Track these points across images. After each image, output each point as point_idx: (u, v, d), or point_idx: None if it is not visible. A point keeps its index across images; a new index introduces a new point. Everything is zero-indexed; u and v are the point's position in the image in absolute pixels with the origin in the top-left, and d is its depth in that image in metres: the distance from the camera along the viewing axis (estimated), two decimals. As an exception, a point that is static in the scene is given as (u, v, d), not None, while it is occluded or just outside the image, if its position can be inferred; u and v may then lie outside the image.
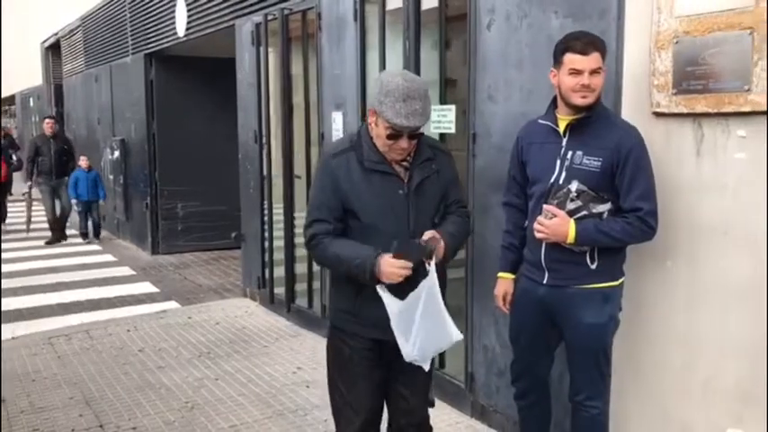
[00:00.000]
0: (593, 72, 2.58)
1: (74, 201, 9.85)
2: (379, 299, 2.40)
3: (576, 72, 2.59)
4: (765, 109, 2.40)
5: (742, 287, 2.55)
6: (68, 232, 10.32)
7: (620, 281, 2.76)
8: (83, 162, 9.92)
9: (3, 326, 5.89)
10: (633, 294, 2.85)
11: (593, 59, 2.58)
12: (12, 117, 24.88)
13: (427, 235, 2.40)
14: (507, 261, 3.02)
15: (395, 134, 2.35)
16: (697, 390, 2.74)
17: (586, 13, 3.04)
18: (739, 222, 2.54)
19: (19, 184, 14.43)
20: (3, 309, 6.43)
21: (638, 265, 2.84)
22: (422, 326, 2.38)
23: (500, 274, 3.04)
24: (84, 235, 10.15)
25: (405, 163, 2.48)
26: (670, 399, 2.85)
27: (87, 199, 9.89)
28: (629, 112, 2.83)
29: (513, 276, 2.99)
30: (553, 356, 2.99)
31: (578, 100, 2.61)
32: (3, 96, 22.83)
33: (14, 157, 14.41)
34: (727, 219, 2.58)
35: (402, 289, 2.39)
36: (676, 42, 2.65)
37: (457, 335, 2.50)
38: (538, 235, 2.66)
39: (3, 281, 7.51)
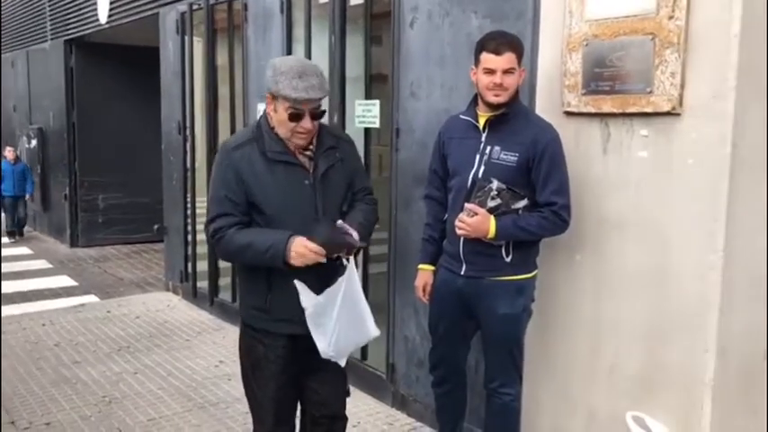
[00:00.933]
0: (507, 72, 2.68)
1: None
2: (292, 293, 2.36)
3: (490, 71, 2.69)
4: (665, 110, 2.54)
5: (641, 277, 2.71)
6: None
7: (534, 273, 2.88)
8: (8, 153, 9.25)
9: None
10: (545, 286, 2.98)
11: (506, 59, 2.67)
12: None
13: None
14: (427, 253, 3.09)
15: (296, 113, 2.33)
16: (602, 376, 2.88)
17: (504, 14, 3.15)
18: (640, 216, 2.69)
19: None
20: None
21: (549, 257, 2.96)
22: (339, 322, 2.35)
23: (420, 266, 3.11)
24: (13, 234, 9.47)
25: (308, 152, 2.46)
26: (577, 385, 2.99)
27: (14, 194, 9.23)
28: (542, 111, 2.95)
29: (432, 268, 3.07)
30: (469, 345, 3.08)
31: (491, 98, 2.71)
32: None
33: None
34: (629, 213, 2.73)
35: (319, 283, 2.37)
36: (586, 45, 2.78)
37: (375, 331, 2.46)
38: (459, 232, 2.74)
39: None
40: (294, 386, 2.62)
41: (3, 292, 6.64)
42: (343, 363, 2.49)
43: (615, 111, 2.71)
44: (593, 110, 2.78)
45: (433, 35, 3.52)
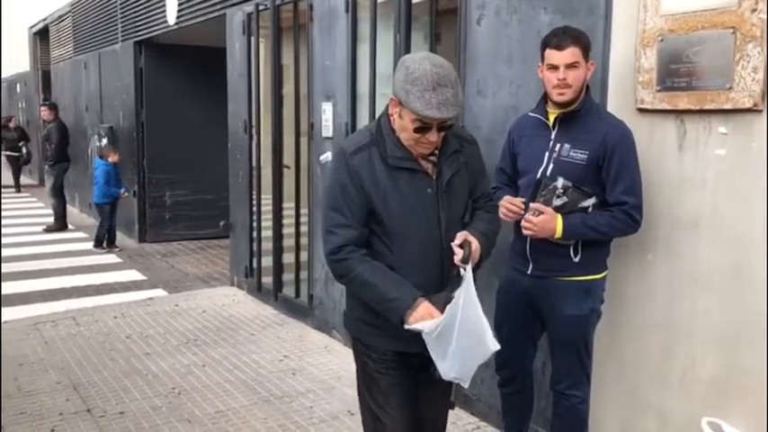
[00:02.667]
0: (570, 66, 2.62)
1: (105, 202, 8.57)
2: None
3: (553, 67, 2.65)
4: (746, 107, 2.46)
5: (717, 278, 2.62)
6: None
7: (603, 274, 2.83)
8: (114, 156, 8.62)
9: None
10: (616, 285, 2.92)
11: (568, 54, 2.62)
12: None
13: (459, 238, 2.17)
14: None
15: (423, 127, 2.09)
16: (675, 379, 2.81)
17: (574, 9, 3.10)
18: (717, 216, 2.61)
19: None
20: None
21: (620, 257, 2.90)
22: (460, 341, 2.10)
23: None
24: (112, 241, 8.74)
25: (432, 157, 2.22)
26: (648, 387, 2.92)
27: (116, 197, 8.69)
28: (614, 108, 2.89)
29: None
30: (536, 346, 3.05)
31: (555, 97, 2.68)
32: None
33: (24, 150, 14.13)
34: (705, 212, 2.65)
35: (432, 291, 2.17)
36: (661, 40, 2.71)
37: (494, 345, 2.17)
38: (525, 232, 2.70)
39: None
40: (413, 402, 2.39)
41: (77, 285, 6.93)
42: (467, 384, 2.22)
43: (692, 107, 2.63)
44: (668, 107, 2.71)
45: (501, 32, 3.49)
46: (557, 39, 2.65)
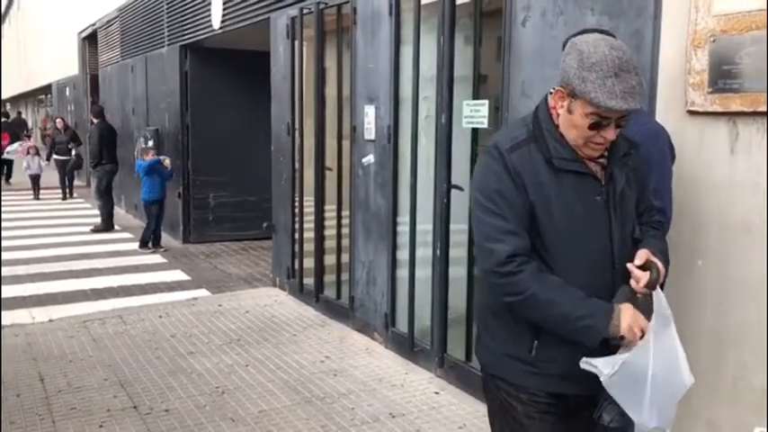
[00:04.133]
0: None
1: (152, 199, 8.68)
2: (564, 339, 1.83)
3: None
4: (802, 109, 2.40)
5: (773, 286, 2.56)
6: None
7: None
8: (147, 155, 8.70)
9: (38, 309, 6.07)
10: (665, 293, 2.85)
11: None
12: (48, 106, 25.33)
13: (641, 258, 1.86)
14: None
15: (600, 121, 1.77)
16: (725, 388, 2.74)
17: (622, 10, 3.05)
18: (772, 222, 2.55)
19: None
20: (35, 293, 6.63)
21: (670, 263, 2.84)
22: (656, 382, 1.75)
23: None
24: (157, 242, 8.89)
25: (602, 159, 1.90)
26: (698, 396, 2.85)
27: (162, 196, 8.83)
28: (663, 110, 2.84)
29: None
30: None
31: None
32: (40, 85, 23.29)
33: (74, 152, 13.34)
34: (758, 217, 2.58)
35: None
36: (713, 41, 2.65)
37: (690, 378, 1.85)
38: None
39: (36, 266, 7.73)
40: None
41: (123, 284, 7.08)
42: (669, 429, 1.87)
43: (745, 109, 2.57)
44: (720, 109, 2.65)
45: (547, 33, 3.46)
46: None
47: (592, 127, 1.79)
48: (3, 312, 5.56)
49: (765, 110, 2.50)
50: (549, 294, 1.80)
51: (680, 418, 2.92)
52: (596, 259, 1.87)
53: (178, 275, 7.55)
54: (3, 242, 7.89)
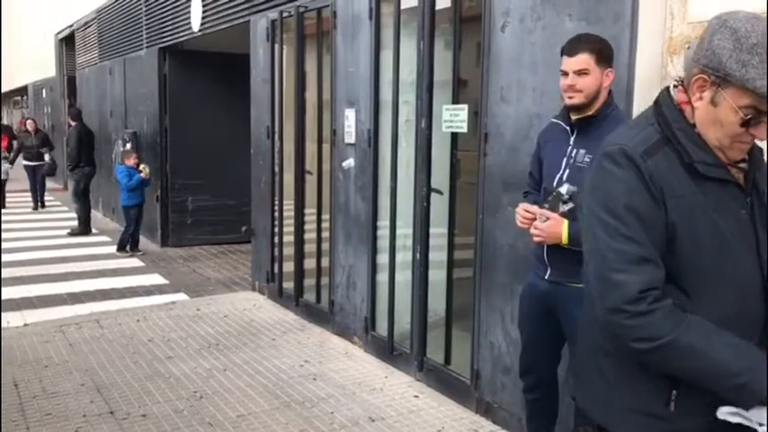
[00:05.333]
0: (579, 73, 2.65)
1: (131, 204, 8.61)
2: (705, 391, 1.48)
3: (564, 73, 2.69)
4: (774, 115, 2.43)
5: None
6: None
7: None
8: (130, 160, 8.64)
9: (13, 314, 5.98)
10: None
11: (578, 61, 2.65)
12: (24, 108, 25.02)
13: None
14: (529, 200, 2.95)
15: (755, 116, 1.46)
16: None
17: (600, 17, 3.09)
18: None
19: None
20: (11, 297, 6.54)
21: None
22: None
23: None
24: (135, 245, 8.82)
25: (743, 165, 1.58)
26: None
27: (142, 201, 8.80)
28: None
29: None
30: (560, 354, 3.03)
31: (566, 100, 2.71)
32: (16, 87, 23.01)
33: (47, 158, 12.44)
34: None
35: None
36: (688, 47, 2.69)
37: None
38: (535, 239, 2.73)
39: (12, 269, 7.62)
40: None
41: (100, 288, 7.00)
42: None
43: (719, 115, 2.61)
44: (695, 114, 2.69)
45: (525, 39, 3.49)
46: (569, 45, 2.70)
47: (744, 123, 1.47)
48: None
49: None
50: (694, 341, 1.45)
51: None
52: (746, 284, 1.54)
53: (156, 279, 7.49)
54: (-23, 246, 7.79)
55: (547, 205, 2.69)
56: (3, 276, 7.25)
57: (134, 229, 8.76)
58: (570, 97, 2.68)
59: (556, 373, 3.07)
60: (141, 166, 8.64)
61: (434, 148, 4.24)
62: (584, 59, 2.65)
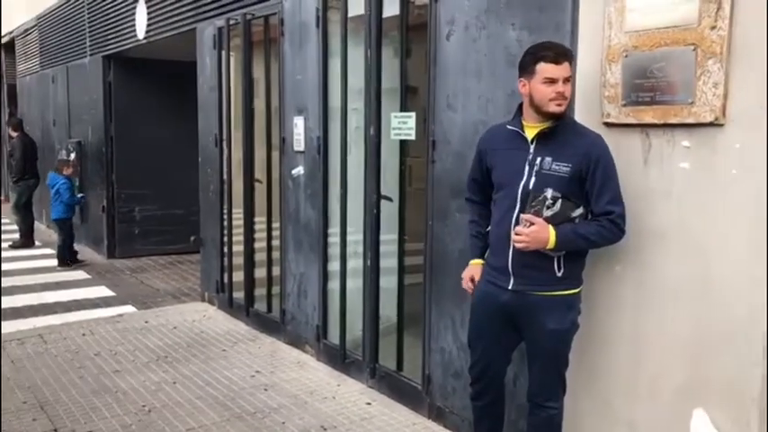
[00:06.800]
0: (566, 80, 2.70)
1: (68, 216, 8.46)
2: None
3: (551, 81, 2.69)
4: (707, 121, 2.52)
5: (684, 289, 2.68)
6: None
7: (581, 288, 2.86)
8: (68, 169, 8.53)
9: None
10: (586, 297, 2.95)
11: (565, 68, 2.70)
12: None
13: None
14: (477, 248, 3.07)
15: None
16: (644, 389, 2.85)
17: (542, 26, 3.15)
18: (682, 228, 2.67)
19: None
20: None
21: (590, 269, 2.94)
22: None
23: (472, 261, 3.08)
24: (74, 257, 8.62)
25: None
26: (619, 397, 2.96)
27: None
28: (581, 122, 2.94)
29: (482, 262, 3.03)
30: (510, 359, 3.07)
31: (554, 108, 2.71)
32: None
33: None
34: (671, 224, 2.70)
35: None
36: (626, 56, 2.77)
37: None
38: (518, 245, 2.71)
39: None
40: None
41: (44, 302, 6.80)
42: None
43: (656, 122, 2.69)
44: (633, 121, 2.77)
45: (470, 47, 3.54)
46: (553, 53, 2.70)
47: None
48: None
49: (675, 122, 2.63)
50: None
51: (602, 419, 3.02)
52: None
53: (103, 292, 7.31)
54: None
55: (532, 210, 2.69)
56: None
57: (70, 241, 8.56)
58: (559, 105, 2.70)
59: (505, 379, 3.10)
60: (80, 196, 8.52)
61: (384, 155, 4.26)
62: (568, 67, 2.71)
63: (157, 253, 9.10)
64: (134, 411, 4.08)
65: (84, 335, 5.57)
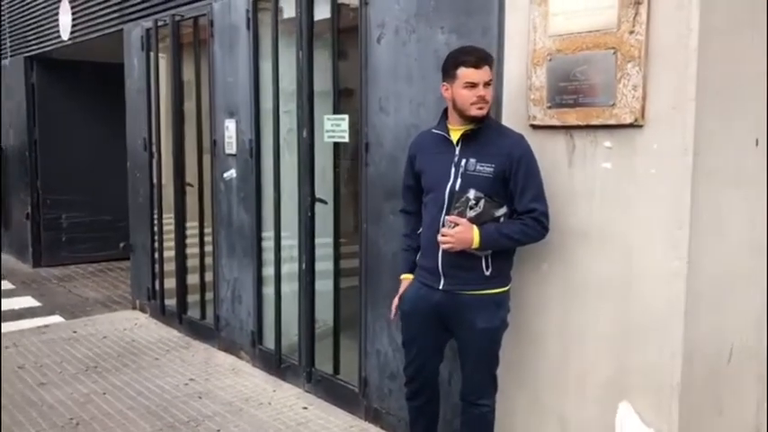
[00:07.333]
0: (486, 84, 2.75)
1: None
2: None
3: (472, 85, 2.74)
4: (628, 122, 2.62)
5: (607, 285, 2.76)
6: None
7: (510, 286, 2.92)
8: None
9: None
10: (515, 295, 3.02)
11: (485, 72, 2.75)
12: None
13: None
14: (408, 262, 3.10)
15: None
16: (572, 383, 2.93)
17: (470, 30, 3.21)
18: (605, 225, 2.76)
19: None
20: None
21: (518, 267, 3.00)
22: None
23: (403, 276, 3.12)
24: None
25: None
26: (548, 392, 3.03)
27: None
28: (508, 124, 3.00)
29: (412, 277, 3.08)
30: (443, 357, 3.11)
31: (476, 111, 2.76)
32: None
33: None
34: (594, 222, 2.79)
35: None
36: (550, 60, 2.84)
37: None
38: (444, 246, 2.75)
39: None
40: None
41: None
42: None
43: (579, 123, 2.77)
44: (558, 123, 2.84)
45: (400, 51, 3.56)
46: (474, 58, 2.75)
47: None
48: None
49: (597, 123, 2.72)
50: None
51: (533, 415, 3.09)
52: None
53: (28, 302, 7.03)
54: None
55: (456, 211, 2.73)
56: None
57: None
58: (480, 108, 2.75)
59: (438, 378, 3.14)
60: None
61: (319, 157, 4.24)
62: (488, 71, 2.76)
63: (86, 261, 8.81)
64: (61, 425, 3.94)
65: (7, 347, 5.34)
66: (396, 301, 3.12)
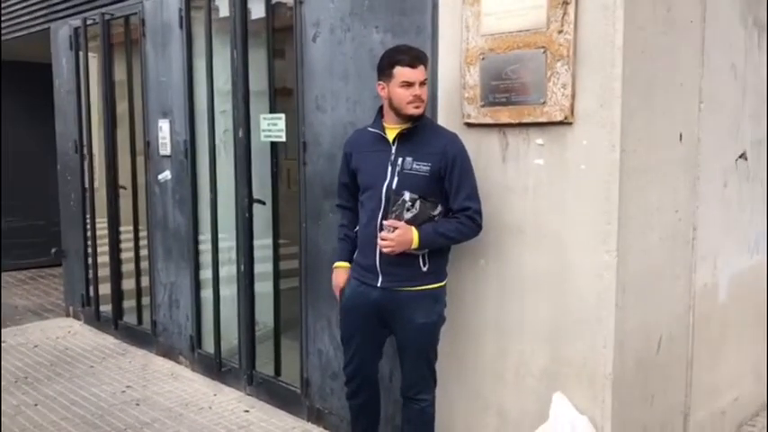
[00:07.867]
0: (422, 84, 2.78)
1: None
2: None
3: (408, 84, 2.76)
4: (558, 120, 2.68)
5: (541, 279, 2.83)
6: None
7: (446, 281, 2.96)
8: None
9: None
10: (453, 291, 3.06)
11: (420, 72, 2.78)
12: None
13: None
14: (345, 251, 3.11)
15: None
16: (510, 375, 2.99)
17: (404, 29, 3.23)
18: (538, 221, 2.82)
19: None
20: None
21: (456, 263, 3.05)
22: None
23: (336, 264, 3.13)
24: None
25: None
26: (487, 385, 3.08)
27: None
28: (443, 123, 3.04)
29: (348, 265, 3.08)
30: (382, 354, 3.12)
31: (412, 110, 2.79)
32: None
33: None
34: (528, 218, 2.85)
35: None
36: (483, 59, 2.89)
37: None
38: (385, 250, 2.78)
39: None
40: None
41: None
42: None
43: (512, 121, 2.83)
44: (491, 121, 2.89)
45: (336, 49, 3.56)
46: (409, 57, 2.78)
47: None
48: None
49: (529, 121, 2.78)
50: None
51: (473, 407, 3.14)
52: None
53: (-48, 312, 6.74)
54: None
55: (393, 215, 2.76)
56: None
57: None
58: (417, 107, 2.78)
59: (378, 375, 3.15)
60: None
61: (256, 157, 4.20)
62: (423, 70, 2.79)
63: (17, 267, 8.47)
64: (-10, 439, 3.80)
65: (-70, 360, 5.11)
66: (337, 292, 3.11)
